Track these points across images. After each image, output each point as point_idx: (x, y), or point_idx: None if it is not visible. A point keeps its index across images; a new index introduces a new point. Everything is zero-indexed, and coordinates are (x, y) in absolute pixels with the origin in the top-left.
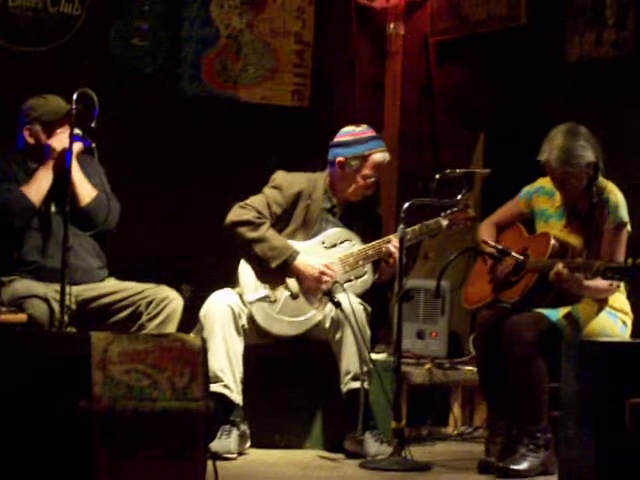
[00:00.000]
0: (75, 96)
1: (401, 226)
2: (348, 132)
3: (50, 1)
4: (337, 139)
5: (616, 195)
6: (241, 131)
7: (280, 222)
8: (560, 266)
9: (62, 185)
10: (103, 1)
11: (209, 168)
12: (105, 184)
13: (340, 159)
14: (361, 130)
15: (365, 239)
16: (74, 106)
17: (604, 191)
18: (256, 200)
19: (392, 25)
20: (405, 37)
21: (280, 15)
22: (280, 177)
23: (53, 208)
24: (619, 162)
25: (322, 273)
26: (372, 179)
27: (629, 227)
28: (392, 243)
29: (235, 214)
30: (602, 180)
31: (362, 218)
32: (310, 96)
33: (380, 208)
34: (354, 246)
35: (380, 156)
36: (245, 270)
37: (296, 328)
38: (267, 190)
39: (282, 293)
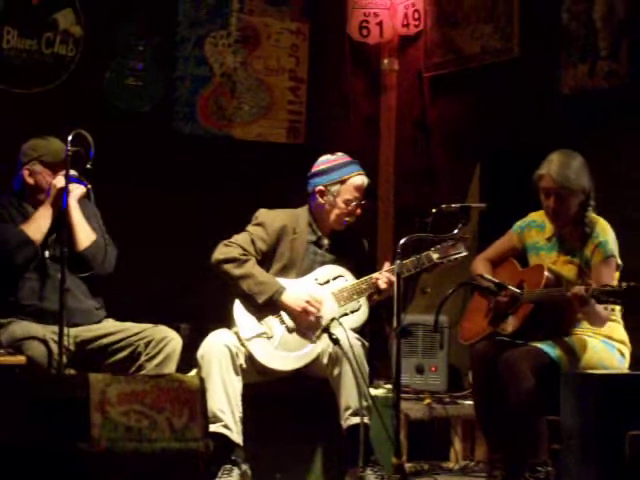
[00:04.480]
0: (70, 137)
1: (397, 262)
2: (324, 161)
3: (45, 43)
4: (314, 169)
5: (606, 232)
6: (237, 169)
7: (266, 260)
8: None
9: (60, 226)
10: (97, 42)
11: (206, 206)
12: (102, 227)
13: (320, 187)
14: (336, 157)
15: (358, 276)
16: (69, 147)
17: (595, 227)
18: (240, 238)
19: (386, 60)
20: (399, 72)
21: (274, 52)
22: (262, 214)
23: (50, 250)
24: (613, 193)
25: (307, 302)
26: (354, 203)
27: (619, 260)
28: (381, 280)
29: (220, 252)
30: (594, 215)
31: (351, 251)
32: (305, 132)
33: (366, 242)
34: (347, 281)
35: (359, 179)
36: (239, 308)
37: (295, 363)
38: (250, 228)
39: (278, 328)
